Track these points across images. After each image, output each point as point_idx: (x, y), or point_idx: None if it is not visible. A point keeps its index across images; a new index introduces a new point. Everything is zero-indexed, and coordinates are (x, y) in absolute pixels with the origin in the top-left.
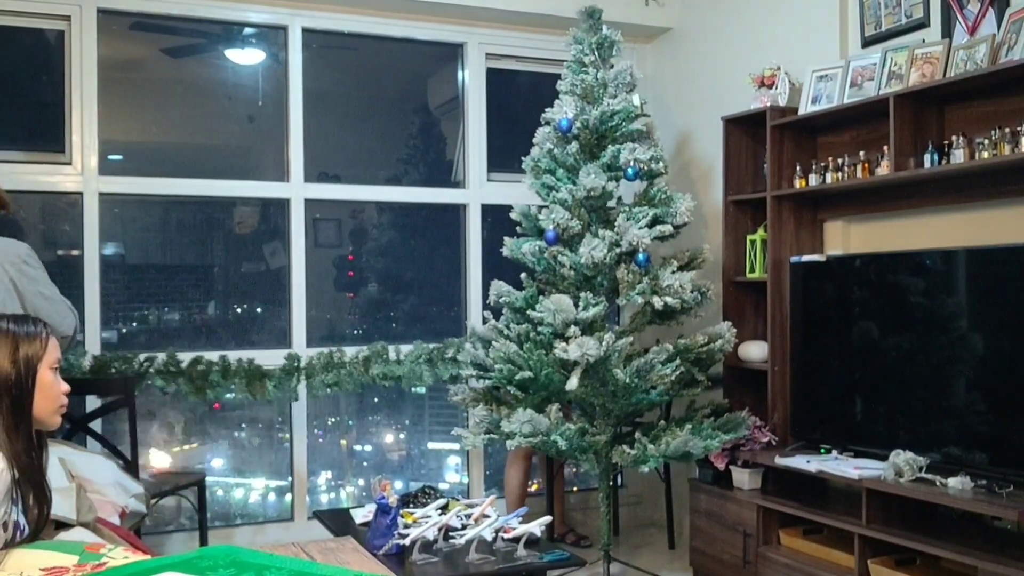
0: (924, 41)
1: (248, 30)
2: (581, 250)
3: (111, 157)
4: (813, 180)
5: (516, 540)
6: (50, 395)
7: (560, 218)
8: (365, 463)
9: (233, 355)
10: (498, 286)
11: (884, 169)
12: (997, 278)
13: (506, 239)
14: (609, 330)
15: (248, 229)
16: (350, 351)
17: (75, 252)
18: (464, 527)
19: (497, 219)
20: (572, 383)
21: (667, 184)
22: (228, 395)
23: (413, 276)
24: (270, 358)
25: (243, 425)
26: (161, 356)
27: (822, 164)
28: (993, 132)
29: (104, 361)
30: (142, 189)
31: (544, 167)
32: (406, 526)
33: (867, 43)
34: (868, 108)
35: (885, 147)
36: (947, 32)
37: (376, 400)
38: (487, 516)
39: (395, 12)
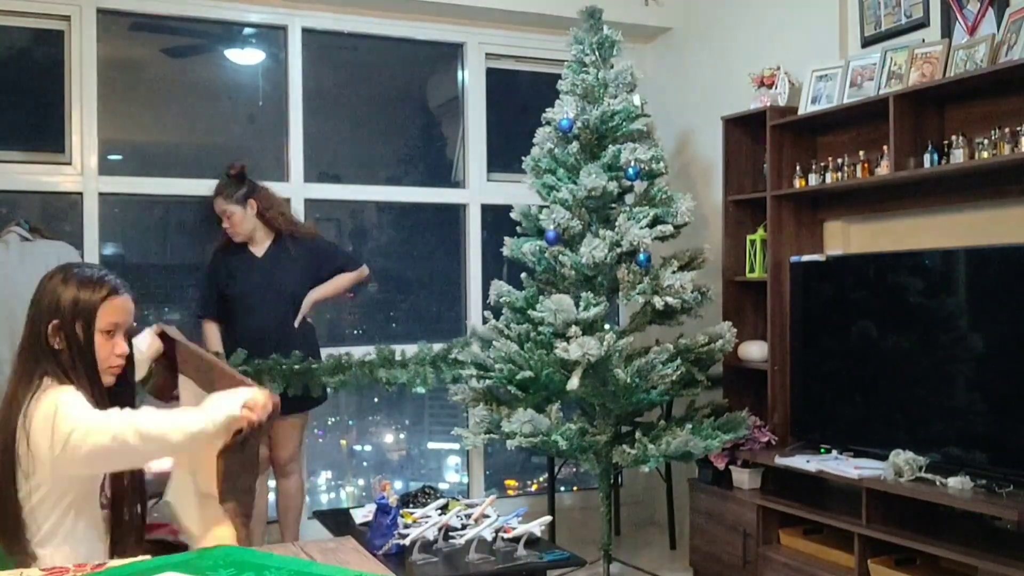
0: (924, 41)
1: (248, 30)
2: (582, 250)
3: (111, 157)
4: (813, 180)
5: (516, 540)
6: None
7: (561, 218)
8: (365, 463)
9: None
10: (498, 286)
11: (884, 169)
12: (997, 278)
13: (506, 239)
14: (610, 330)
15: None
16: (357, 352)
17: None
18: (464, 527)
19: (497, 219)
20: (573, 383)
21: (667, 184)
22: None
23: (413, 276)
24: None
25: None
26: None
27: (822, 164)
28: (993, 132)
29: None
30: (142, 189)
31: (545, 167)
32: (406, 526)
33: (867, 43)
34: (868, 108)
35: (885, 147)
36: (947, 32)
37: (376, 400)
38: (487, 516)
39: (395, 12)
